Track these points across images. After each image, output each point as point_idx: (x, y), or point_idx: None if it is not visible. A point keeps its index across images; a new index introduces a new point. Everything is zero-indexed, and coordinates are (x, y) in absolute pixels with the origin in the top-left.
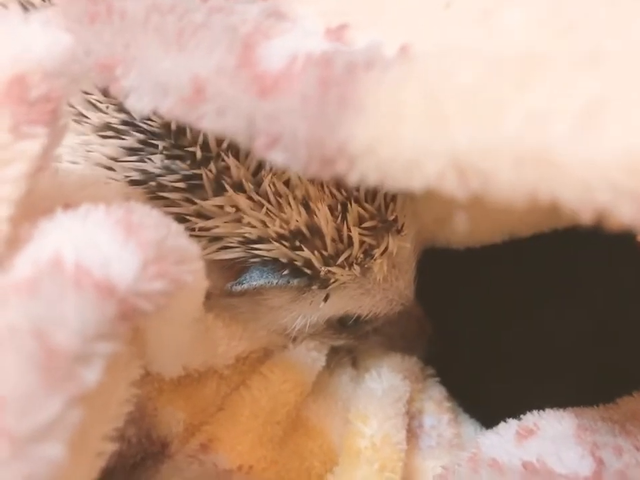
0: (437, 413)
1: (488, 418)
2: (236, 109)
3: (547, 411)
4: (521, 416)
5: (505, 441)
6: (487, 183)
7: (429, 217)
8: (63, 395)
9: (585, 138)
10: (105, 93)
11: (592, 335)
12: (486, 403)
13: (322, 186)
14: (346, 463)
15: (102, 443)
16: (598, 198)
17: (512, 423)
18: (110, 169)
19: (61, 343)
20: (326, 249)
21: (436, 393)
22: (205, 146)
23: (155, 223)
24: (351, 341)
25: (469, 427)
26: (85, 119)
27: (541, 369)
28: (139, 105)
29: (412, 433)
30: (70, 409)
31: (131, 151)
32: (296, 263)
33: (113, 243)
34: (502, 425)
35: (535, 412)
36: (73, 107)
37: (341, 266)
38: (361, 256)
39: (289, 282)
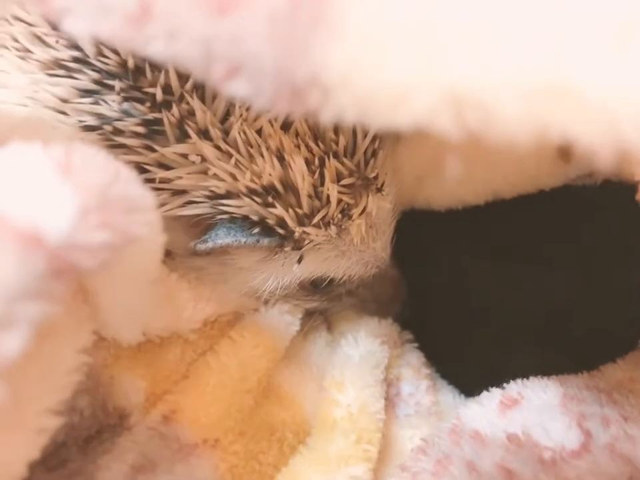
0: (415, 379)
1: (467, 385)
2: (189, 31)
3: (532, 379)
4: (504, 385)
5: (487, 411)
6: (487, 120)
7: (411, 175)
8: None
9: (616, 63)
10: (53, 25)
11: (575, 300)
12: (465, 369)
13: (298, 137)
14: (320, 434)
15: (43, 418)
16: (624, 134)
17: (495, 392)
18: (61, 112)
19: None
20: (301, 207)
21: (414, 359)
22: (167, 88)
23: (100, 167)
24: (324, 304)
25: (447, 394)
26: (31, 55)
27: (521, 335)
28: (76, 28)
29: (389, 401)
30: None
31: (85, 92)
32: (268, 221)
33: (45, 187)
34: (484, 394)
35: (518, 381)
36: (16, 40)
37: (317, 226)
38: (338, 216)
39: (258, 241)
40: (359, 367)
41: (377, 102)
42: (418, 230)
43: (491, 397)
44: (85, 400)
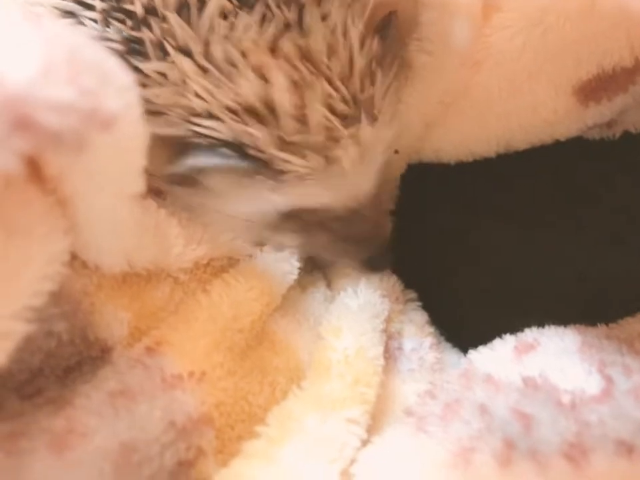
0: (419, 336)
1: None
2: None
3: (547, 327)
4: (518, 333)
5: (501, 356)
6: None
7: (419, 122)
8: None
9: None
10: None
11: (591, 259)
12: (472, 332)
13: (283, 58)
14: (314, 376)
15: (10, 322)
16: None
17: (509, 339)
18: None
19: None
20: (282, 129)
21: (417, 316)
22: (149, 6)
23: (72, 32)
24: (294, 235)
25: (452, 355)
26: None
27: (534, 296)
28: None
29: (390, 354)
30: None
31: (66, 12)
32: (246, 143)
33: (11, 33)
34: (497, 340)
35: (534, 328)
36: None
37: (299, 154)
38: (324, 142)
39: (236, 164)
40: (358, 315)
41: None
42: (425, 185)
43: (505, 343)
44: (62, 324)
